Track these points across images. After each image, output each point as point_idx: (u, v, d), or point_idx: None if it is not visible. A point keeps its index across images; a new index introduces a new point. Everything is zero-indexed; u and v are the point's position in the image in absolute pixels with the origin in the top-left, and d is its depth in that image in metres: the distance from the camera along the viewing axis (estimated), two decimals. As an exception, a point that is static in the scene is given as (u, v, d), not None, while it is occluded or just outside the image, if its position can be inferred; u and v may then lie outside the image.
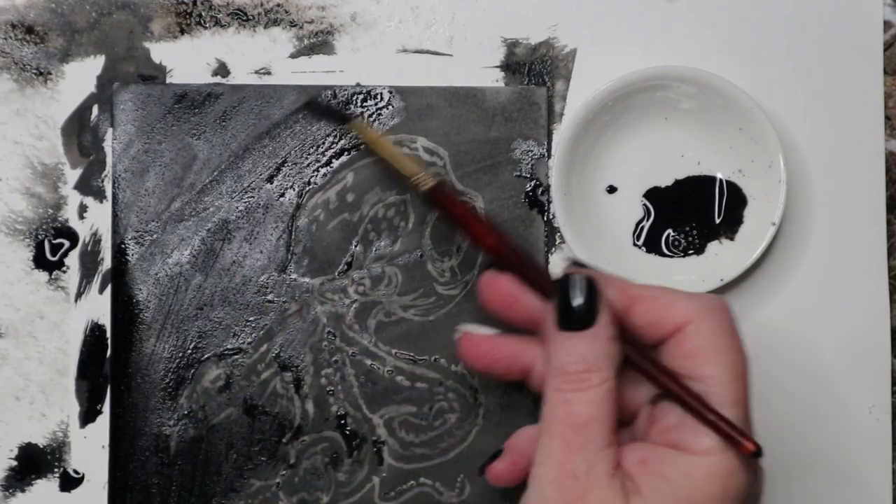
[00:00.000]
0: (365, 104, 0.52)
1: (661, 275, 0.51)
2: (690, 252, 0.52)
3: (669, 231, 0.52)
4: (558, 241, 0.52)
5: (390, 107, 0.52)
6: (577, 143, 0.50)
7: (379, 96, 0.52)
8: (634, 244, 0.52)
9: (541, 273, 0.44)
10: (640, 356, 0.41)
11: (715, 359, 0.40)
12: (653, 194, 0.52)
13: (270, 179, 0.52)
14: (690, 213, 0.52)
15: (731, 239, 0.52)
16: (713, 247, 0.52)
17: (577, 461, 0.38)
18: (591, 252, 0.50)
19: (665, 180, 0.52)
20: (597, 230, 0.52)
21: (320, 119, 0.52)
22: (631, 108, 0.51)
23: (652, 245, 0.52)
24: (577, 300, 0.40)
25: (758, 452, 0.38)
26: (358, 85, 0.53)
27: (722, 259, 0.52)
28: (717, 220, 0.52)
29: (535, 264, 0.44)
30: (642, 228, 0.52)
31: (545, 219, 0.52)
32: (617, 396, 0.39)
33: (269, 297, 0.52)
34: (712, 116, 0.51)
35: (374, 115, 0.52)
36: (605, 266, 0.50)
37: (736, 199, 0.52)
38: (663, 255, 0.52)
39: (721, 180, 0.52)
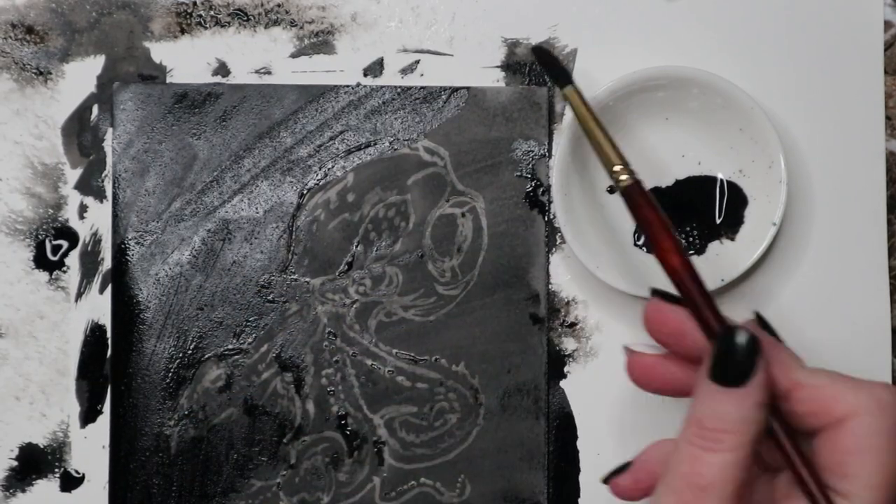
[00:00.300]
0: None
1: (661, 275, 0.51)
2: (691, 252, 0.52)
3: None
4: (559, 241, 0.52)
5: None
6: (578, 143, 0.50)
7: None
8: (635, 244, 0.52)
9: (712, 311, 0.41)
10: (790, 445, 0.39)
11: (871, 459, 0.37)
12: (653, 194, 0.52)
13: (270, 179, 0.52)
14: (691, 213, 0.52)
15: (732, 239, 0.52)
16: (714, 247, 0.52)
17: None
18: (592, 252, 0.50)
19: (666, 180, 0.52)
20: (597, 230, 0.52)
21: (541, 67, 0.51)
22: (632, 108, 0.51)
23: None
24: (739, 357, 0.37)
25: None
26: (358, 85, 0.53)
27: (722, 259, 0.52)
28: (718, 221, 0.52)
29: (710, 300, 0.41)
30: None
31: (546, 219, 0.52)
32: (753, 464, 0.37)
33: (270, 297, 0.52)
34: (713, 117, 0.51)
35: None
36: (606, 267, 0.50)
37: (736, 200, 0.52)
38: None
39: (722, 180, 0.52)
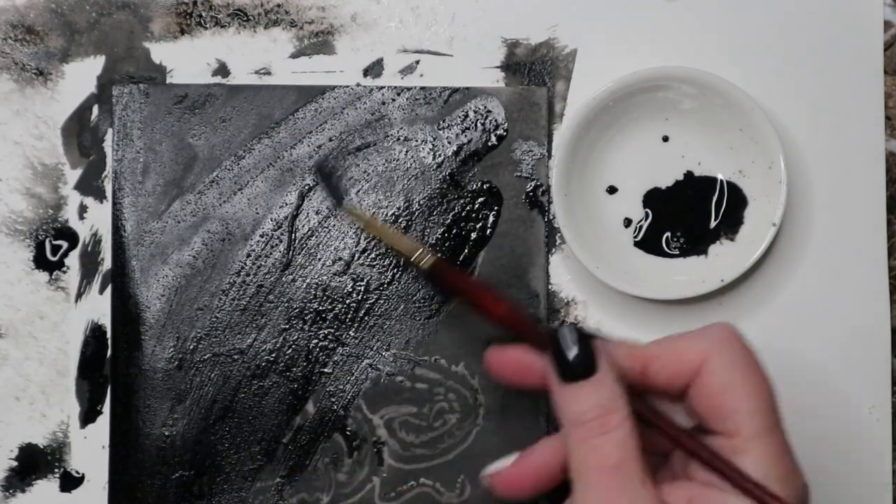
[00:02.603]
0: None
1: (662, 275, 0.51)
2: (691, 253, 0.52)
3: (668, 233, 0.52)
4: (559, 241, 0.52)
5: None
6: (578, 143, 0.50)
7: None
8: (635, 244, 0.52)
9: (541, 332, 0.44)
10: (657, 418, 0.41)
11: (739, 392, 0.39)
12: (653, 195, 0.52)
13: (270, 179, 0.52)
14: (690, 213, 0.52)
15: (732, 239, 0.52)
16: (714, 248, 0.52)
17: (621, 502, 0.38)
18: (592, 252, 0.50)
19: (666, 181, 0.52)
20: (597, 230, 0.52)
21: (320, 184, 0.52)
22: (631, 109, 0.51)
23: (652, 246, 0.52)
24: (573, 351, 0.40)
25: None
26: (358, 85, 0.53)
27: (722, 259, 0.52)
28: (718, 221, 0.52)
29: (543, 329, 0.44)
30: (640, 228, 0.52)
31: (546, 219, 0.52)
32: (640, 433, 0.39)
33: (270, 297, 0.52)
34: (713, 117, 0.51)
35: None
36: (607, 267, 0.50)
37: (736, 200, 0.52)
38: (664, 255, 0.52)
39: (721, 181, 0.52)
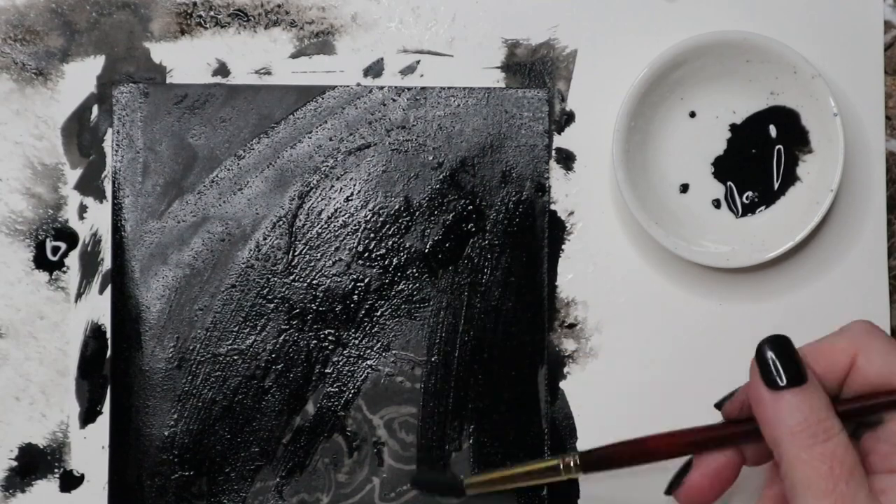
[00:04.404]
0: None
1: (737, 232, 0.52)
2: (761, 208, 0.52)
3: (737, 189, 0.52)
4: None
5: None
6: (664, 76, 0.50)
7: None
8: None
9: (717, 426, 0.44)
10: (838, 404, 0.41)
11: None
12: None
13: (270, 180, 0.52)
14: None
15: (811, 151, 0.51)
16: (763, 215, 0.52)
17: None
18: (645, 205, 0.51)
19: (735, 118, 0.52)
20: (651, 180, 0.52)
21: (429, 493, 0.51)
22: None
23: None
24: (784, 359, 0.40)
25: None
26: (358, 85, 0.53)
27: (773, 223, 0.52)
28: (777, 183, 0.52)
29: (708, 429, 0.44)
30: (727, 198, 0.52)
31: (546, 219, 0.52)
32: None
33: (269, 297, 0.52)
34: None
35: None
36: (669, 220, 0.51)
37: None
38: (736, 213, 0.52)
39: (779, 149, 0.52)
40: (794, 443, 0.39)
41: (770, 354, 0.40)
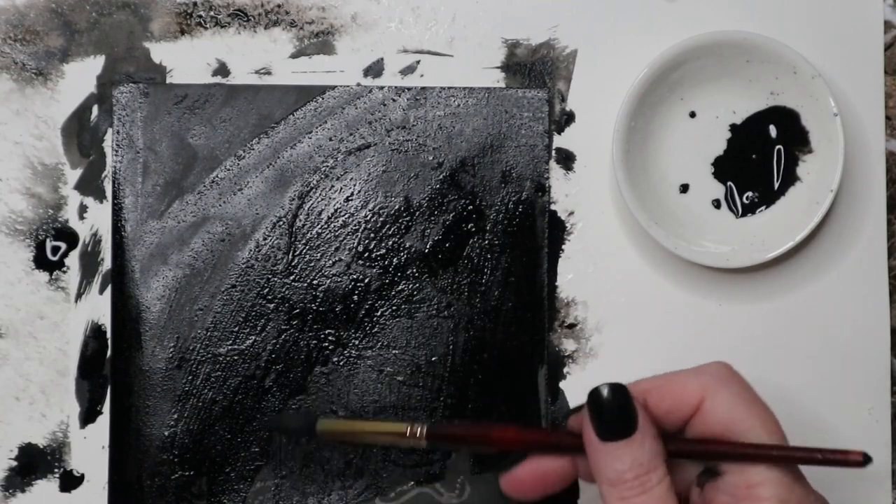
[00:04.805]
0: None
1: (737, 232, 0.52)
2: (761, 208, 0.52)
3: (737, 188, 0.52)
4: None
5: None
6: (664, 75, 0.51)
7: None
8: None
9: (562, 434, 0.44)
10: (680, 445, 0.42)
11: (744, 425, 0.40)
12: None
13: (270, 180, 0.52)
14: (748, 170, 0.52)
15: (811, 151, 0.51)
16: (762, 215, 0.52)
17: None
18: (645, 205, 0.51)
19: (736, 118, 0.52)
20: (651, 178, 0.52)
21: (283, 435, 0.51)
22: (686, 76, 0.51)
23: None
24: (613, 412, 0.41)
25: (867, 458, 0.40)
26: (358, 85, 0.53)
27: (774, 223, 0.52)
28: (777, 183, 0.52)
29: (549, 434, 0.46)
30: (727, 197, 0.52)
31: (546, 219, 0.52)
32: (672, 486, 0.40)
33: (269, 297, 0.52)
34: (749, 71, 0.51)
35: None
36: (667, 221, 0.51)
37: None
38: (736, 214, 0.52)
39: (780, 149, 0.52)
40: (612, 494, 0.40)
41: (602, 403, 0.41)
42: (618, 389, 0.41)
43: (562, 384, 0.52)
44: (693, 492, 0.43)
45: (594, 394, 0.41)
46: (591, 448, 0.41)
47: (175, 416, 0.52)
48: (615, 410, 0.40)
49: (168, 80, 0.53)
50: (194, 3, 0.53)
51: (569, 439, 0.43)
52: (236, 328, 0.52)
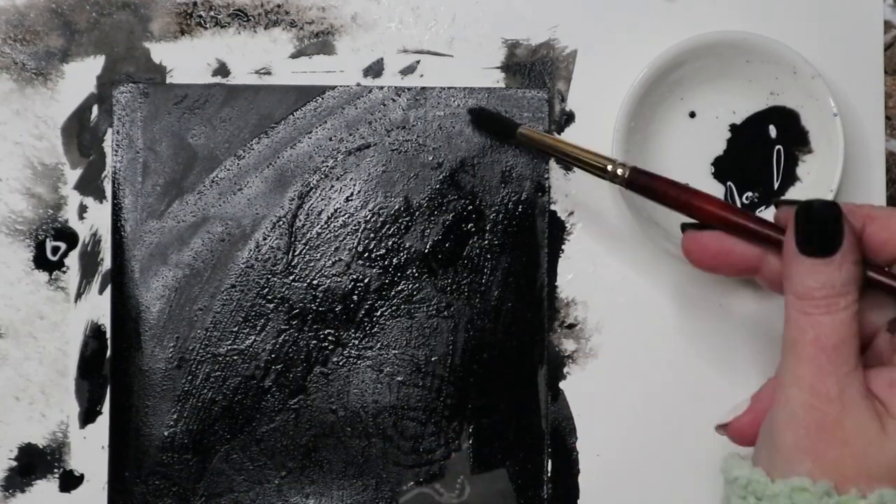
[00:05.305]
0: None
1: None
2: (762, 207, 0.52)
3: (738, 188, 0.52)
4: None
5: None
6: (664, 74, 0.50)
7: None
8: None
9: (765, 223, 0.43)
10: (881, 275, 0.41)
11: None
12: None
13: (270, 180, 0.52)
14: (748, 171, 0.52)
15: (811, 151, 0.51)
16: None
17: (829, 384, 0.38)
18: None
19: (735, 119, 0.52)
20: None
21: (482, 130, 0.52)
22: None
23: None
24: (820, 227, 0.40)
25: None
26: (358, 85, 0.53)
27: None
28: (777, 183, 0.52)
29: (758, 219, 0.44)
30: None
31: (546, 219, 0.52)
32: (860, 319, 0.40)
33: (269, 297, 0.52)
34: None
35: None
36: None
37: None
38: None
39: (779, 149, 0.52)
40: (796, 306, 0.40)
41: (811, 216, 0.40)
42: (830, 206, 0.40)
43: (562, 384, 0.52)
44: (881, 336, 0.42)
45: (806, 204, 0.40)
46: (788, 255, 0.40)
47: (175, 416, 0.52)
48: (822, 226, 0.40)
49: (168, 80, 0.53)
50: (194, 3, 0.53)
51: (769, 232, 0.43)
52: (236, 328, 0.52)
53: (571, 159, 0.48)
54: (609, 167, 0.47)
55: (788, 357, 0.40)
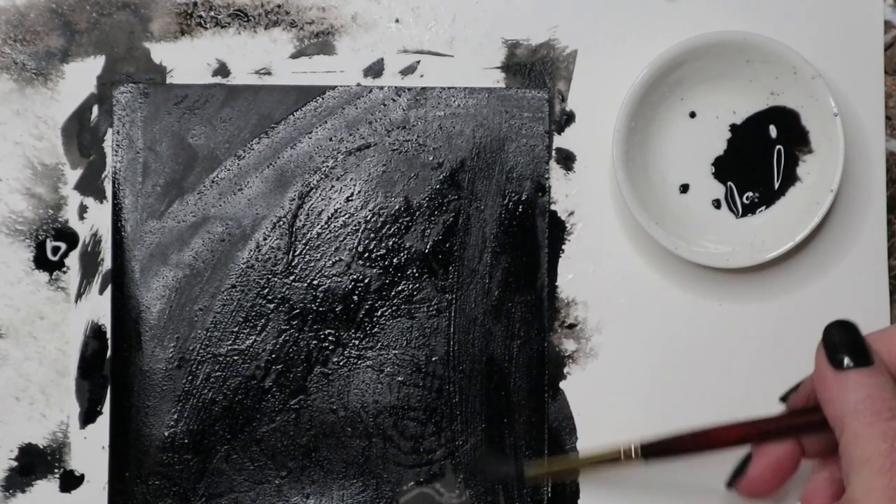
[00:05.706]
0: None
1: (737, 232, 0.51)
2: (761, 208, 0.52)
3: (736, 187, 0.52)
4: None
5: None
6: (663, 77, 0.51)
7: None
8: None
9: (785, 415, 0.45)
10: None
11: None
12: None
13: (270, 180, 0.52)
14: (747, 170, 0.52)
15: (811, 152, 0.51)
16: (762, 215, 0.52)
17: None
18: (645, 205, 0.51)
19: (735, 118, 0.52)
20: (651, 179, 0.52)
21: (490, 477, 0.52)
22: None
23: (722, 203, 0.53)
24: (852, 342, 0.41)
25: None
26: (358, 85, 0.53)
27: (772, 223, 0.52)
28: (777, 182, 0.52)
29: (772, 420, 0.45)
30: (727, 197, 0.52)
31: (546, 219, 0.52)
32: None
33: (269, 297, 0.52)
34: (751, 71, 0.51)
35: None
36: (671, 222, 0.51)
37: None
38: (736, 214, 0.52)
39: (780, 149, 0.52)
40: (857, 419, 0.39)
41: (837, 337, 0.41)
42: (849, 324, 0.42)
43: (562, 384, 0.52)
44: None
45: (829, 329, 0.42)
46: (828, 384, 0.41)
47: (175, 416, 0.52)
48: (851, 340, 0.41)
49: (168, 81, 0.53)
50: (194, 3, 0.53)
51: (795, 417, 0.44)
52: (236, 328, 0.52)
53: (589, 468, 0.50)
54: (622, 455, 0.47)
55: (859, 475, 0.39)
